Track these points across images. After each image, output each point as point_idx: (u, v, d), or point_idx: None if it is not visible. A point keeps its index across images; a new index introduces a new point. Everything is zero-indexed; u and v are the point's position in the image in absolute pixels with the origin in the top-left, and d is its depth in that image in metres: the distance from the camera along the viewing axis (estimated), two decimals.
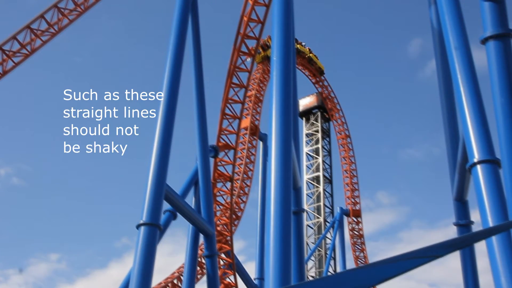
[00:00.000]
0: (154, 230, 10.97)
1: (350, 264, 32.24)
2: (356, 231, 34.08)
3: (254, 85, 28.45)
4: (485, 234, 3.88)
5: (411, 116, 70.79)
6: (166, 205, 13.32)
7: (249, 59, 20.14)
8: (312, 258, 35.90)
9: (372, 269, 3.07)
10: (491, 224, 7.29)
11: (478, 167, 7.99)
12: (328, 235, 34.97)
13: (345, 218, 33.89)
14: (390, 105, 69.22)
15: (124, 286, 14.55)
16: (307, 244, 35.96)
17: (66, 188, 66.42)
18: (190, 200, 15.88)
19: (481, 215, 7.71)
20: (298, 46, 36.28)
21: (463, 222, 11.17)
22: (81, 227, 66.81)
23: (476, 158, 8.10)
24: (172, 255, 57.42)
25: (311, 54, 37.27)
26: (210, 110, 15.88)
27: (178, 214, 14.36)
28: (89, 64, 67.65)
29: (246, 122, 25.95)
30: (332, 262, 34.27)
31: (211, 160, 18.56)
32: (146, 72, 66.15)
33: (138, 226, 10.99)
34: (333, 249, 33.62)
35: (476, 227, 11.30)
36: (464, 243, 3.45)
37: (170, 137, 12.07)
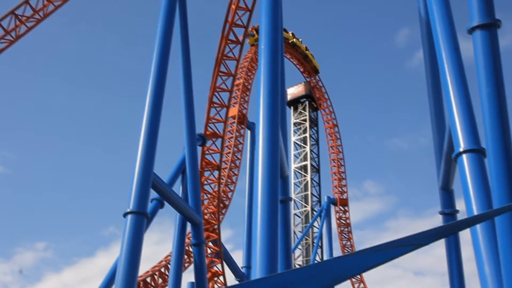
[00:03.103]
0: (141, 219, 10.95)
1: (337, 253, 32.51)
2: (343, 220, 34.30)
3: (242, 73, 28.37)
4: (470, 222, 3.92)
5: (399, 106, 71.17)
6: (153, 194, 13.30)
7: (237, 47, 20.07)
8: (300, 246, 36.10)
9: (358, 257, 3.08)
10: (475, 212, 7.36)
11: (464, 156, 8.06)
12: (315, 224, 35.16)
13: (332, 207, 34.08)
14: (378, 95, 69.54)
15: (111, 275, 14.52)
16: (294, 232, 36.14)
17: (53, 177, 66.09)
18: (178, 188, 15.85)
19: (466, 204, 7.78)
20: (295, 40, 36.33)
21: (449, 211, 11.28)
22: (68, 216, 66.61)
23: (461, 148, 8.16)
24: (159, 243, 57.47)
25: (307, 52, 37.31)
26: (197, 99, 15.84)
27: (166, 203, 14.34)
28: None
29: (234, 111, 25.90)
30: (319, 251, 34.49)
31: (199, 149, 18.53)
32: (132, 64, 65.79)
33: (125, 215, 10.96)
34: (320, 238, 33.82)
35: (461, 216, 11.42)
36: (448, 231, 3.48)
37: (157, 126, 12.01)
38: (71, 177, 68.48)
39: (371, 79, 69.68)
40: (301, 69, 37.52)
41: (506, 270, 6.21)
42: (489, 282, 6.88)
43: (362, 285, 33.03)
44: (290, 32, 36.78)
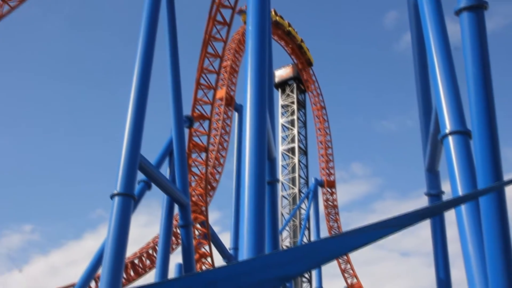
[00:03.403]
0: (129, 200, 10.94)
1: (324, 234, 32.77)
2: (330, 201, 34.54)
3: (229, 55, 28.23)
4: (454, 203, 3.95)
5: (386, 89, 71.35)
6: (140, 176, 13.26)
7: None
8: (287, 228, 36.33)
9: (345, 238, 3.10)
10: (461, 193, 7.45)
11: (450, 138, 8.13)
12: (303, 206, 35.37)
13: (320, 189, 34.27)
14: (366, 78, 69.66)
15: (98, 257, 14.52)
16: (282, 214, 36.34)
17: (40, 159, 65.66)
18: (165, 170, 15.82)
19: (451, 185, 7.86)
20: (290, 29, 36.17)
21: (434, 192, 11.40)
22: (55, 199, 66.39)
23: (448, 129, 8.22)
24: (147, 226, 57.52)
25: (302, 43, 37.18)
26: (184, 80, 15.74)
27: (153, 185, 14.32)
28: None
29: (221, 93, 25.81)
30: (306, 232, 34.75)
31: (186, 131, 18.48)
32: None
33: (112, 196, 10.93)
34: (308, 219, 34.05)
35: (446, 197, 11.54)
36: (433, 212, 3.51)
37: (144, 107, 11.95)
38: (58, 159, 68.10)
39: (359, 61, 69.69)
40: (289, 51, 37.40)
41: (489, 249, 6.31)
42: (473, 261, 6.99)
43: (348, 265, 33.39)
44: (287, 21, 36.72)
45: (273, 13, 34.19)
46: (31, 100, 66.96)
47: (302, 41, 37.24)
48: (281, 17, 35.92)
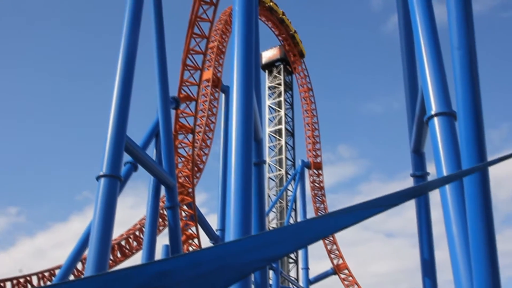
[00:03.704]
0: (115, 182, 10.88)
1: (311, 216, 32.92)
2: (317, 183, 34.70)
3: (216, 36, 28.03)
4: (439, 183, 3.98)
5: (373, 70, 71.51)
6: (127, 157, 13.20)
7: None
8: (274, 209, 36.52)
9: (331, 218, 3.10)
10: (445, 174, 7.51)
11: (435, 119, 8.17)
12: (290, 187, 35.52)
13: (306, 171, 34.40)
14: (353, 59, 69.66)
15: (84, 238, 14.49)
16: (269, 196, 36.49)
17: (26, 140, 65.12)
18: (151, 152, 15.76)
19: (436, 166, 7.92)
20: (284, 17, 35.95)
21: (420, 173, 11.49)
22: (41, 180, 66.03)
23: (433, 111, 8.26)
24: (134, 208, 57.50)
25: (295, 34, 36.98)
26: (171, 61, 15.62)
27: (139, 166, 14.26)
28: None
29: (208, 74, 25.68)
30: (293, 214, 34.96)
31: (173, 112, 18.39)
32: None
33: (98, 178, 10.86)
34: (294, 201, 34.23)
35: (431, 178, 11.64)
36: (418, 192, 3.53)
37: (130, 88, 11.84)
38: (45, 142, 67.59)
39: (346, 43, 69.68)
40: (276, 32, 37.20)
41: (472, 229, 6.39)
42: (456, 241, 7.07)
43: (334, 246, 33.69)
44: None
45: None
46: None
47: (295, 32, 37.08)
48: (275, 4, 35.66)
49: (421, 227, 11.41)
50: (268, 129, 38.97)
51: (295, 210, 35.13)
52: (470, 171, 5.48)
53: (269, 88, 40.50)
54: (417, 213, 11.52)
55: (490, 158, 6.60)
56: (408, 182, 11.77)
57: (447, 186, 7.42)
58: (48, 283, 20.60)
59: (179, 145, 20.36)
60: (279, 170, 37.95)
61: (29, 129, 66.38)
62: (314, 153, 35.04)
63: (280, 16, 35.89)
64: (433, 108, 8.28)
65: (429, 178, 11.58)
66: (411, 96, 11.57)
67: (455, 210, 7.22)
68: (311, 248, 32.59)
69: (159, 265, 2.59)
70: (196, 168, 24.17)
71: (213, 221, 24.46)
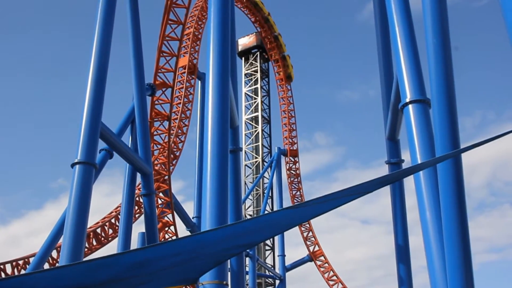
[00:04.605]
0: (90, 169, 10.78)
1: (287, 203, 33.14)
2: (293, 170, 34.84)
3: (192, 22, 27.79)
4: (413, 169, 4.04)
5: (349, 58, 71.74)
6: (102, 145, 13.07)
7: None
8: (250, 197, 36.59)
9: (307, 206, 3.13)
10: (419, 161, 7.62)
11: (410, 106, 8.26)
12: (266, 175, 35.60)
13: (283, 158, 34.50)
14: (329, 47, 69.76)
15: (59, 226, 14.34)
16: (245, 183, 36.54)
17: (1, 128, 63.97)
18: (127, 139, 15.63)
19: (411, 152, 8.03)
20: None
21: (394, 160, 11.64)
22: (15, 167, 64.99)
23: (408, 98, 8.36)
24: (110, 195, 57.07)
25: (287, 56, 36.84)
26: (146, 48, 15.45)
27: (115, 153, 14.14)
28: None
29: (184, 61, 25.48)
30: (269, 201, 35.08)
31: (148, 99, 18.23)
32: None
33: (73, 165, 10.76)
34: (271, 188, 34.32)
35: (406, 165, 11.80)
36: (393, 178, 3.57)
37: (105, 74, 11.70)
38: (19, 129, 66.48)
39: (322, 31, 69.72)
40: (252, 19, 37.03)
41: (446, 215, 6.50)
42: (430, 228, 7.19)
43: (310, 233, 33.97)
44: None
45: None
46: None
47: (289, 57, 37.03)
48: None
49: (395, 214, 11.58)
50: (244, 116, 38.93)
51: (272, 198, 35.26)
52: (444, 158, 5.56)
53: (246, 75, 40.41)
54: (392, 201, 11.68)
55: (463, 145, 6.71)
56: (384, 169, 11.91)
57: (421, 173, 7.53)
58: (23, 271, 20.39)
59: (155, 132, 20.23)
60: (256, 157, 38.01)
61: (2, 114, 65.21)
62: (290, 140, 35.14)
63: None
64: (408, 95, 8.37)
65: (404, 165, 11.73)
66: (387, 84, 11.67)
67: (429, 197, 7.34)
68: (287, 235, 32.81)
69: (137, 254, 2.58)
70: (172, 156, 24.06)
71: (190, 209, 24.46)
